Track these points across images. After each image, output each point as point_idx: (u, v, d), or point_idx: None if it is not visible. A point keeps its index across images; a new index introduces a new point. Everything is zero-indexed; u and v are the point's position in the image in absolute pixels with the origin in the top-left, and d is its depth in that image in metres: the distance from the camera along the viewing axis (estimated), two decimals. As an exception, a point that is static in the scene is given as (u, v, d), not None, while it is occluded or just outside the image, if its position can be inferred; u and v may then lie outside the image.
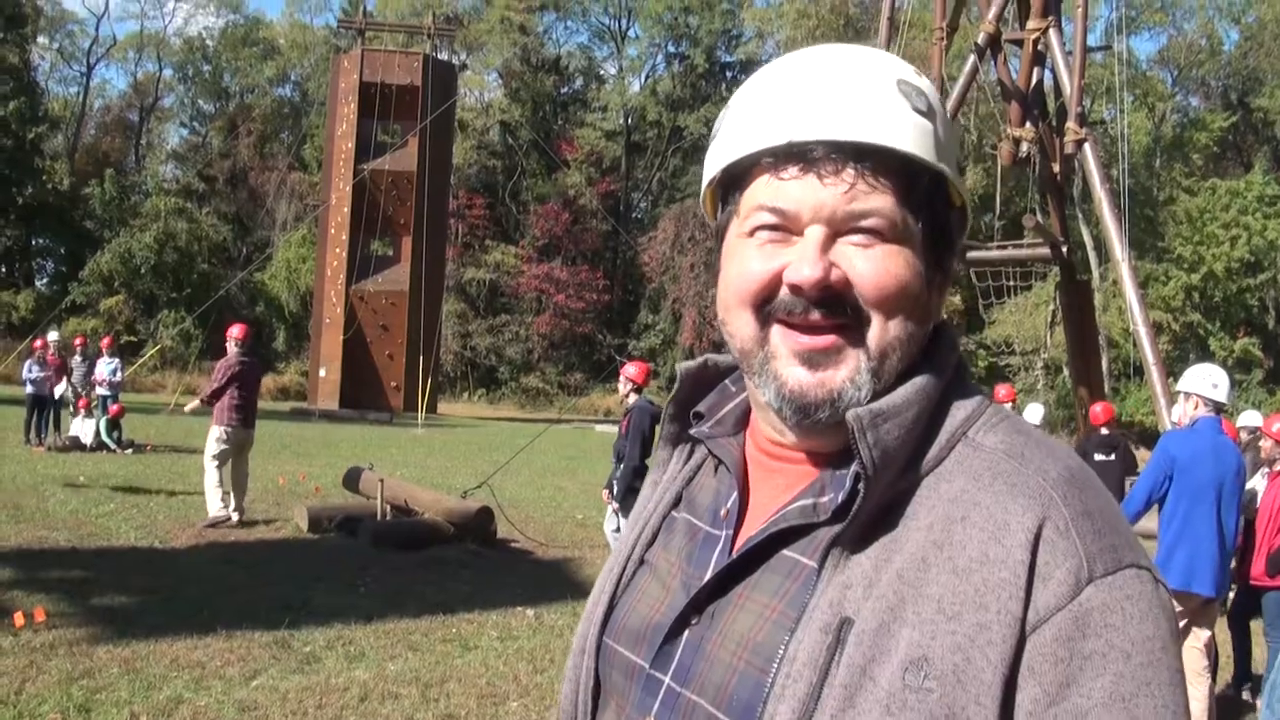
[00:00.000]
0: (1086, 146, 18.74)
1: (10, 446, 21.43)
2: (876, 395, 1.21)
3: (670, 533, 1.41)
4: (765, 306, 1.24)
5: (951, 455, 1.22)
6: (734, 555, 1.27)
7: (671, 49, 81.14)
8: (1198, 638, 7.57)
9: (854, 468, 1.20)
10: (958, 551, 1.14)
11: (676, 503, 1.44)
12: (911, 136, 1.22)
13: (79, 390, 23.28)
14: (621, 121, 77.45)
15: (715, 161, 1.32)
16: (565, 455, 29.00)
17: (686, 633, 1.28)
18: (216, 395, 14.21)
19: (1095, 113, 48.06)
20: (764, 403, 1.28)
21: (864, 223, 1.20)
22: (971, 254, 22.15)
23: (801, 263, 1.20)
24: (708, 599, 1.28)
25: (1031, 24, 19.04)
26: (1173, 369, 24.49)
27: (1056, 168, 19.65)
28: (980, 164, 48.94)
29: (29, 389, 22.56)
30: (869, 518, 1.18)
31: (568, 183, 69.98)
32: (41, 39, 73.13)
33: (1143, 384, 40.60)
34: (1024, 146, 19.10)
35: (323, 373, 47.42)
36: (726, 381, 1.46)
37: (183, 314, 54.51)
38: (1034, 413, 15.70)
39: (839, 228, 1.21)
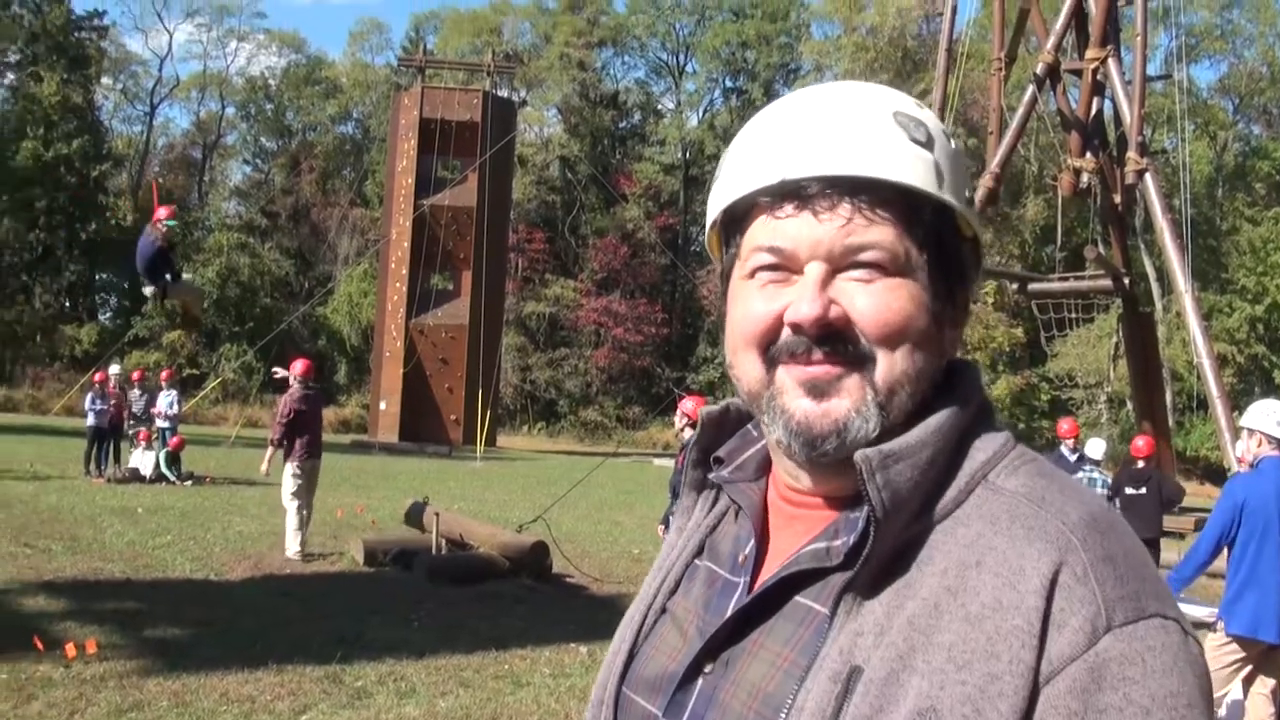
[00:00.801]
0: (1148, 176, 18.59)
1: (70, 478, 21.65)
2: (886, 433, 1.17)
3: (692, 581, 1.37)
4: (770, 348, 1.21)
5: (970, 499, 1.17)
6: (748, 600, 1.23)
7: (729, 83, 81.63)
8: (1264, 684, 7.41)
9: (865, 510, 1.14)
10: (971, 598, 1.08)
11: (700, 551, 1.40)
12: (909, 167, 1.18)
13: (139, 422, 23.53)
14: (679, 155, 77.71)
15: (715, 204, 1.30)
16: (622, 489, 28.92)
17: (700, 681, 1.23)
18: (286, 433, 14.21)
19: (1156, 142, 47.70)
20: (775, 442, 1.24)
21: (862, 256, 1.17)
22: (1033, 286, 22.05)
23: (800, 301, 1.17)
24: (722, 646, 1.23)
25: (1090, 54, 18.95)
26: (1237, 402, 24.13)
27: (1118, 198, 19.52)
28: (1041, 195, 48.72)
29: (90, 421, 22.84)
30: (882, 563, 1.14)
31: (626, 216, 70.26)
32: (106, 80, 74.46)
33: (1207, 418, 40.13)
34: (1085, 177, 19.01)
35: (383, 406, 47.71)
36: (749, 426, 1.42)
37: (244, 347, 55.06)
38: (1095, 447, 15.49)
39: (838, 263, 1.17)
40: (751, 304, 1.22)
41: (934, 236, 1.21)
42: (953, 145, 1.25)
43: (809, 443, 1.18)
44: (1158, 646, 1.06)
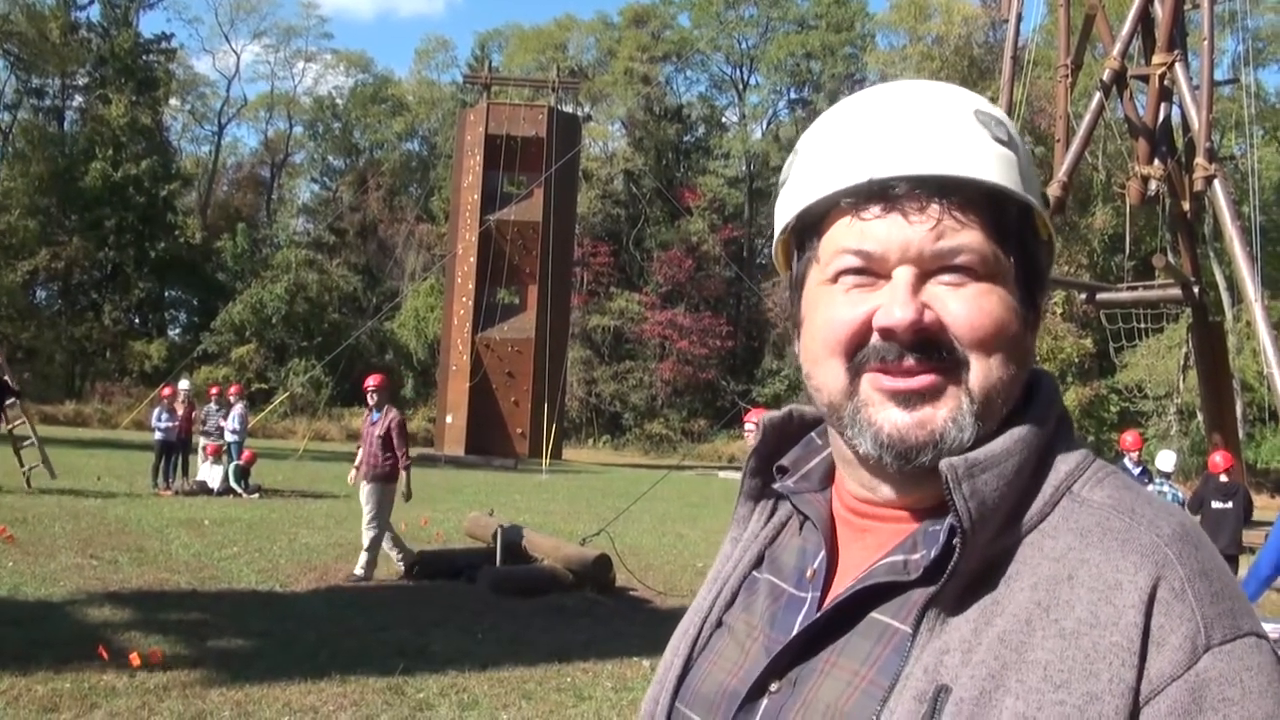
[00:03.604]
0: (1216, 183, 18.36)
1: (138, 491, 21.92)
2: (979, 442, 1.12)
3: (751, 594, 1.32)
4: (855, 355, 1.16)
5: (1056, 511, 1.12)
6: (819, 614, 1.18)
7: (793, 95, 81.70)
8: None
9: (948, 521, 1.10)
10: (1064, 613, 1.04)
11: (758, 563, 1.35)
12: (996, 167, 1.15)
13: (210, 436, 23.80)
14: (744, 168, 77.76)
15: (789, 207, 1.25)
16: (687, 502, 28.85)
17: (765, 700, 1.18)
18: (406, 454, 13.94)
19: (1224, 148, 47.04)
20: (861, 454, 1.18)
21: (954, 260, 1.13)
22: (1102, 295, 21.81)
23: (892, 305, 1.12)
24: (790, 664, 1.18)
25: (1157, 59, 18.75)
26: (1311, 414, 23.75)
27: (1186, 205, 19.28)
28: (1109, 203, 48.21)
29: (158, 435, 23.11)
30: (967, 577, 1.09)
31: (691, 230, 70.36)
32: (174, 101, 75.75)
33: (1278, 430, 39.52)
34: (1153, 184, 18.79)
35: (449, 419, 48.00)
36: (813, 434, 1.37)
37: (312, 362, 55.58)
38: (1166, 459, 15.30)
39: (928, 267, 1.13)
40: (836, 309, 1.17)
41: (1018, 239, 1.17)
42: (1025, 144, 1.22)
43: (902, 454, 1.14)
44: (1254, 666, 1.03)
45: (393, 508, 13.77)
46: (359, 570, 13.36)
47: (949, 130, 1.14)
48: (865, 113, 1.19)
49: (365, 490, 13.66)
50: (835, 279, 1.17)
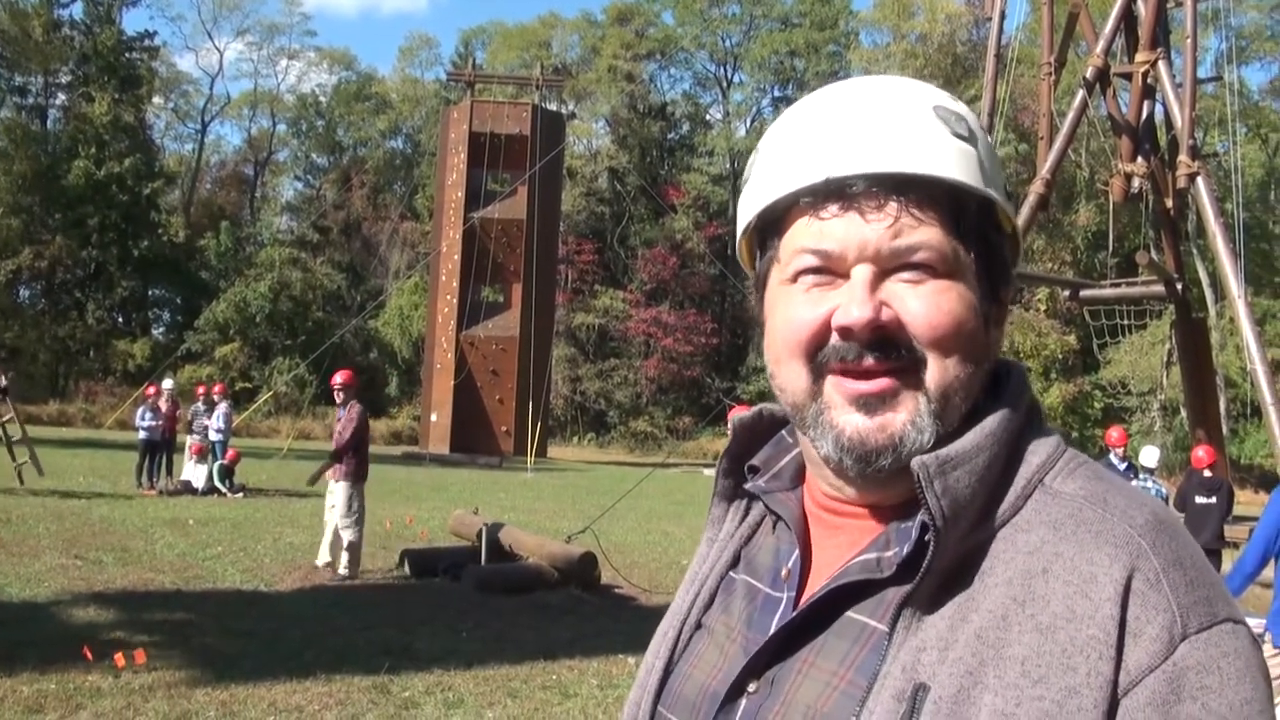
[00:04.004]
0: (1199, 180, 18.40)
1: (123, 490, 21.85)
2: (940, 440, 1.12)
3: (729, 595, 1.31)
4: (816, 356, 1.15)
5: (1028, 504, 1.12)
6: (795, 613, 1.18)
7: (777, 93, 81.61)
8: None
9: (919, 518, 1.10)
10: (1040, 608, 1.03)
11: (735, 563, 1.34)
12: (955, 163, 1.14)
13: (196, 436, 23.72)
14: (728, 166, 77.75)
15: (749, 207, 1.24)
16: (672, 500, 28.84)
17: (744, 700, 1.18)
18: (356, 452, 13.73)
19: (1208, 146, 47.20)
20: (822, 456, 1.18)
21: (912, 258, 1.12)
22: (1085, 292, 21.87)
23: (850, 304, 1.11)
24: (767, 664, 1.18)
25: (1140, 57, 18.79)
26: (1293, 408, 23.78)
27: (1169, 203, 19.33)
28: (1093, 200, 48.33)
29: (142, 434, 23.03)
30: (941, 574, 1.08)
31: (675, 227, 70.41)
32: (157, 99, 75.52)
33: (1261, 425, 39.67)
34: (1136, 182, 18.83)
35: (434, 417, 47.98)
36: (783, 433, 1.36)
37: (296, 360, 55.51)
38: (1150, 455, 15.32)
39: (886, 265, 1.12)
40: (795, 309, 1.16)
41: (978, 234, 1.17)
42: (987, 137, 1.20)
43: (862, 458, 1.13)
44: (1231, 653, 1.02)
45: (362, 507, 13.65)
46: (343, 569, 13.33)
47: (906, 127, 1.13)
48: (823, 111, 1.18)
49: (338, 490, 13.61)
50: (795, 279, 1.17)
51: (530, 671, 9.21)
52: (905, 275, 1.12)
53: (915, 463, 1.08)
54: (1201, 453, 14.10)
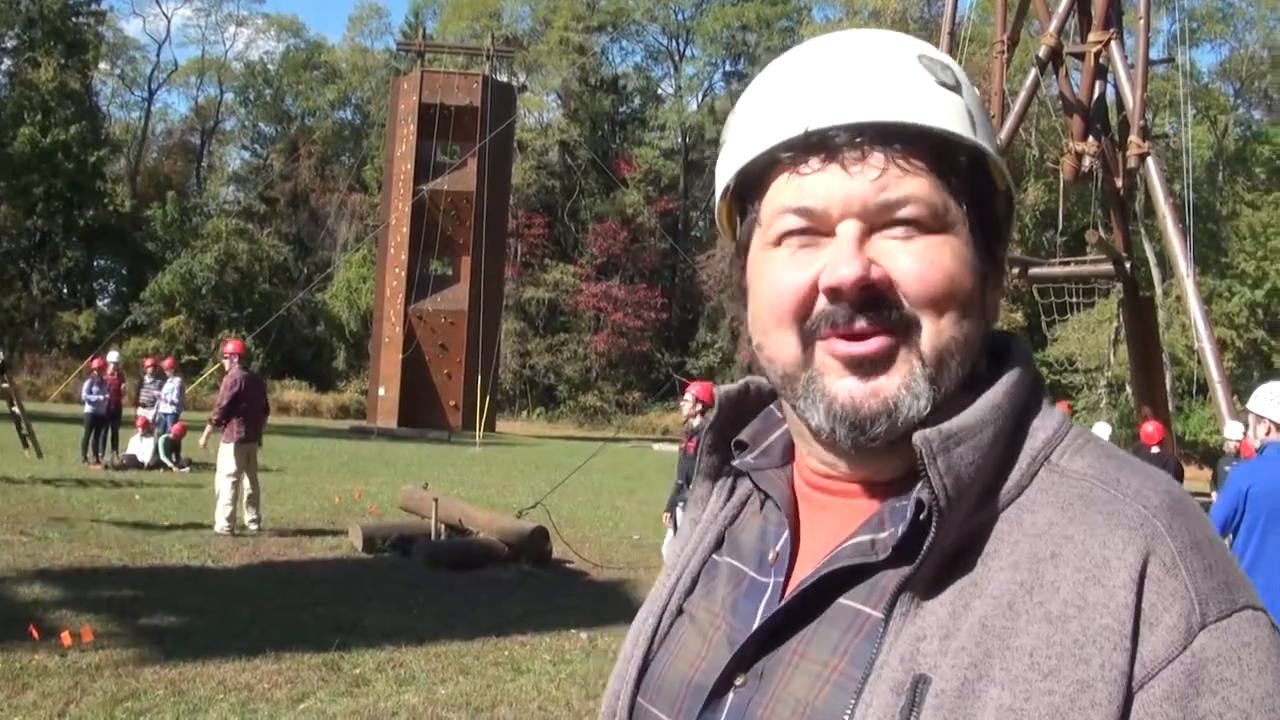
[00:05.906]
0: (1149, 160, 18.52)
1: (68, 465, 21.57)
2: (937, 406, 1.06)
3: (712, 579, 1.25)
4: (805, 322, 1.09)
5: (1034, 483, 1.06)
6: (782, 603, 1.11)
7: (729, 67, 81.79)
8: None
9: (915, 496, 1.04)
10: (1049, 595, 0.98)
11: (719, 545, 1.27)
12: (942, 111, 1.08)
13: (146, 408, 23.44)
14: (679, 140, 77.87)
15: (727, 168, 1.18)
16: (622, 474, 28.88)
17: (731, 694, 1.11)
18: (226, 414, 14.72)
19: (1158, 126, 47.62)
20: (813, 428, 1.11)
21: (901, 212, 1.06)
22: (1034, 270, 21.96)
23: (837, 263, 1.05)
24: (755, 655, 1.11)
25: (1093, 37, 18.84)
26: (1237, 387, 24.10)
27: (1119, 182, 19.41)
28: (1042, 179, 48.62)
29: (87, 408, 22.76)
30: (942, 557, 1.02)
31: (626, 201, 70.35)
32: (103, 65, 74.40)
33: (1207, 402, 40.14)
34: (1086, 161, 18.89)
35: (382, 392, 47.80)
36: (771, 407, 1.30)
37: (243, 333, 55.14)
38: (1101, 431, 15.49)
39: (874, 221, 1.06)
40: (780, 274, 1.10)
41: (970, 188, 1.11)
42: (974, 89, 1.15)
43: (856, 425, 1.07)
44: (1252, 642, 0.97)
45: (237, 469, 14.55)
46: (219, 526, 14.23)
47: (890, 75, 1.08)
48: (803, 63, 1.13)
49: (222, 450, 14.82)
50: (779, 242, 1.11)
51: (482, 647, 9.16)
52: (894, 231, 1.07)
53: (917, 437, 1.02)
54: (1151, 428, 14.23)
